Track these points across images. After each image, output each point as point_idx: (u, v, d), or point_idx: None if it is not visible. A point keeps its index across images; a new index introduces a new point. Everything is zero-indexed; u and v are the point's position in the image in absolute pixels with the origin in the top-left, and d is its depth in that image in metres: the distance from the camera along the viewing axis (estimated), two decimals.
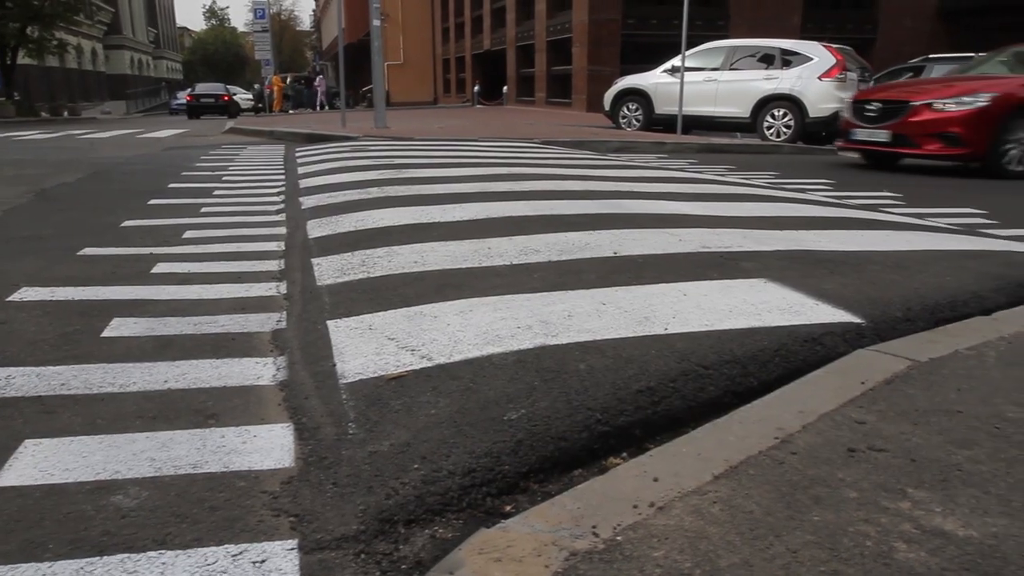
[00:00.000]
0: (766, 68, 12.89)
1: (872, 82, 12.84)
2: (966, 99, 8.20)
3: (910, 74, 13.21)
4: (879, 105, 8.92)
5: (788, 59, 12.78)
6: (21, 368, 2.15)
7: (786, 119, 12.45)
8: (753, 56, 13.23)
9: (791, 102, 12.36)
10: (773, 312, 2.50)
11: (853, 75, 12.41)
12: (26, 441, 1.72)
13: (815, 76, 12.19)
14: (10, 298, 2.87)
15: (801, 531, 1.23)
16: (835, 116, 10.90)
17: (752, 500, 1.33)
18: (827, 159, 9.47)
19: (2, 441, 1.72)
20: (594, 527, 1.25)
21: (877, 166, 9.41)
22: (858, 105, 9.25)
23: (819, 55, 12.56)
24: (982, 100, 8.12)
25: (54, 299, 2.87)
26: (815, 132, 12.23)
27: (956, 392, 1.85)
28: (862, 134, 9.05)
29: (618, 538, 1.21)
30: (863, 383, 1.90)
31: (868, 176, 8.22)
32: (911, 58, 15.20)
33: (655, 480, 1.41)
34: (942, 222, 4.91)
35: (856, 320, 2.46)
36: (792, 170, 8.84)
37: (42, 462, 1.63)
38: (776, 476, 1.42)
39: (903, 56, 17.21)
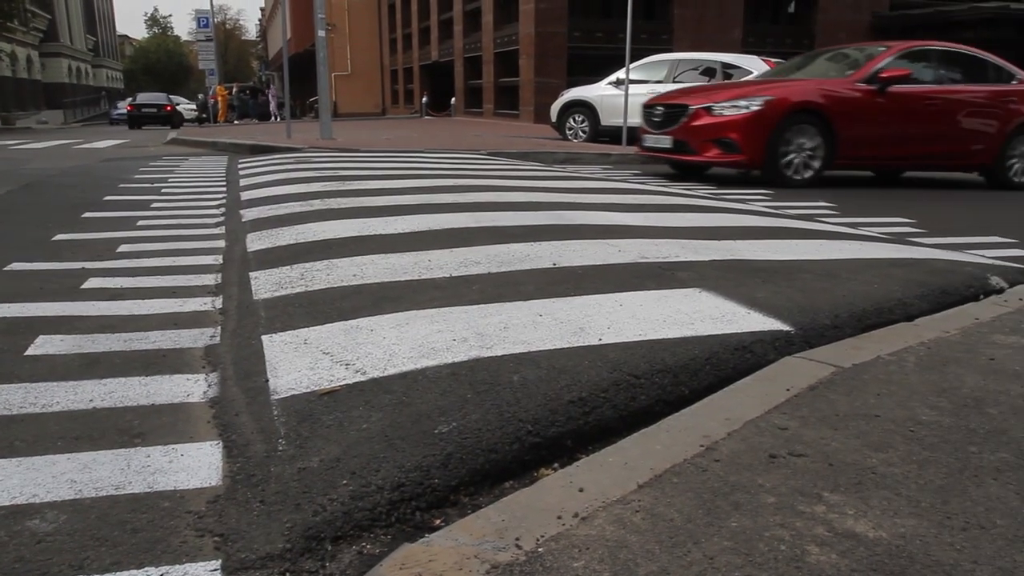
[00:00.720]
0: (708, 81, 13.18)
1: None
2: (741, 103, 7.85)
3: None
4: (663, 110, 8.60)
5: (729, 72, 13.11)
6: None
7: None
8: (695, 69, 13.53)
9: None
10: (706, 321, 2.55)
11: None
12: None
13: None
14: None
15: (719, 537, 1.26)
16: None
17: (674, 508, 1.36)
18: None
19: None
20: (517, 539, 1.26)
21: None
22: (648, 110, 8.96)
23: (758, 69, 12.88)
24: (756, 104, 7.76)
25: None
26: None
27: (876, 397, 1.92)
28: (650, 140, 8.81)
29: (540, 550, 1.22)
30: (788, 390, 1.96)
31: (805, 188, 8.42)
32: None
33: (580, 490, 1.43)
34: (874, 231, 5.08)
35: (786, 328, 2.53)
36: (731, 181, 9.03)
37: None
38: (699, 483, 1.45)
39: None
